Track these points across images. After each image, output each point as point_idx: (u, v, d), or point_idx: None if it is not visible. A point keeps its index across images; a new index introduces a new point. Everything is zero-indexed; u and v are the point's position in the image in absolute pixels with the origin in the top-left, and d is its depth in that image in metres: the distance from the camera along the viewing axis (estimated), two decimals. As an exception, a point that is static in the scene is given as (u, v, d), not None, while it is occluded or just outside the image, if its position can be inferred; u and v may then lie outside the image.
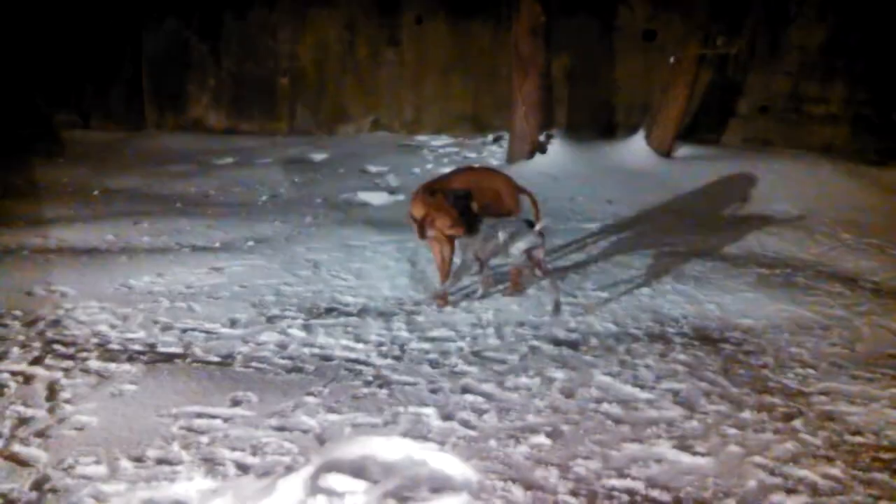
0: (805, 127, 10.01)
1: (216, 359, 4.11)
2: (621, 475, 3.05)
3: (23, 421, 3.41)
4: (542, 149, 8.80)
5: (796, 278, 5.60)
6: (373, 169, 9.00)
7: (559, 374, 3.95)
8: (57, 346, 4.20)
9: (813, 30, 9.36)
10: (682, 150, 9.18)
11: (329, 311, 4.83)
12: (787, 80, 9.95)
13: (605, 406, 3.63)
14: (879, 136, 9.74)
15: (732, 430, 3.42)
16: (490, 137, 10.20)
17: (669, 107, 8.92)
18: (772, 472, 3.09)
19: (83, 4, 9.47)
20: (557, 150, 8.76)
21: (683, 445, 3.28)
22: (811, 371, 4.11)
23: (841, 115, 9.88)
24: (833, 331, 4.68)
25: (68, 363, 3.98)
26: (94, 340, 4.31)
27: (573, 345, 4.36)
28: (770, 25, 6.75)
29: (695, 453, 3.22)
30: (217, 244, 6.18)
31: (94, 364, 3.98)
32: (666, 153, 9.00)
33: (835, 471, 3.11)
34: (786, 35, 8.65)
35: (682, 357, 4.20)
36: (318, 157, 9.68)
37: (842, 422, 3.55)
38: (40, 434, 3.31)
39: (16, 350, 4.13)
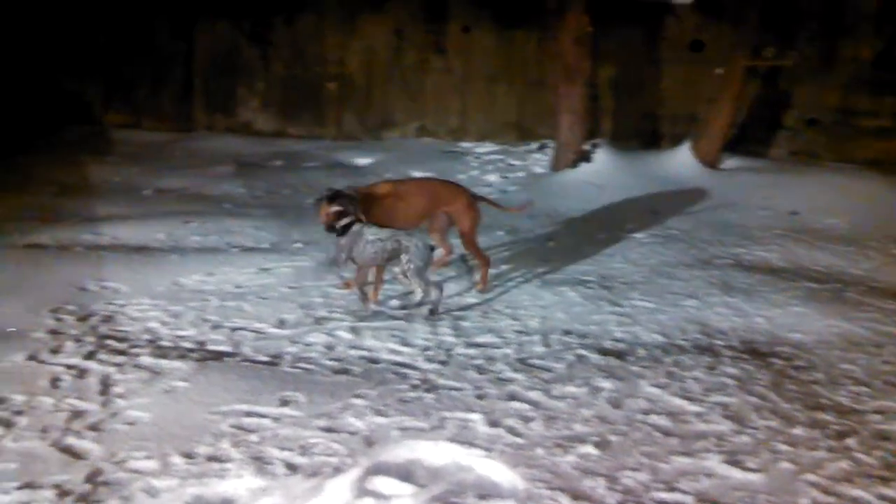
0: (854, 140, 9.83)
1: (265, 358, 4.16)
2: (670, 488, 3.03)
3: (77, 414, 3.49)
4: (586, 158, 8.77)
5: (847, 293, 5.51)
6: (418, 175, 9.03)
7: (606, 384, 3.94)
8: (110, 342, 4.28)
9: (865, 42, 9.21)
10: (729, 162, 9.08)
11: (376, 314, 4.85)
12: (837, 92, 9.79)
13: (653, 418, 3.61)
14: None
15: (784, 447, 3.38)
16: (534, 145, 10.18)
17: (716, 118, 8.84)
18: (825, 491, 3.05)
19: (139, 6, 9.65)
20: (602, 160, 8.73)
21: (734, 460, 3.25)
22: (864, 388, 4.04)
23: (892, 128, 9.69)
24: (886, 348, 4.60)
25: (121, 358, 4.06)
26: (146, 337, 4.39)
27: (620, 355, 4.34)
28: (823, 38, 6.65)
29: (745, 469, 3.18)
30: (265, 245, 6.26)
31: (146, 360, 4.06)
32: (712, 165, 8.91)
33: (891, 492, 3.06)
34: (837, 47, 8.52)
35: (730, 370, 4.16)
36: (364, 161, 9.74)
37: (897, 442, 3.49)
38: (94, 428, 3.38)
39: (70, 344, 4.23)
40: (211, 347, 4.29)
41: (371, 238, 4.69)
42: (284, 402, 3.64)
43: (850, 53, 9.45)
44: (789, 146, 10.07)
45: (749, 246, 6.60)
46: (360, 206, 4.78)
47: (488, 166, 9.40)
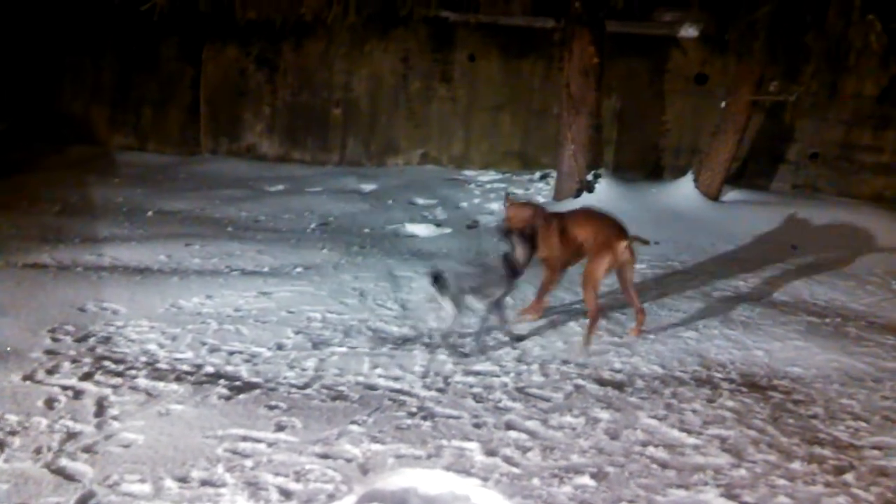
0: (856, 175, 9.87)
1: (262, 382, 4.14)
2: (667, 521, 3.01)
3: (71, 435, 3.48)
4: (589, 188, 8.79)
5: (847, 328, 5.50)
6: (421, 201, 9.06)
7: (604, 415, 3.92)
8: (107, 363, 4.28)
9: (869, 79, 9.27)
10: (731, 195, 9.09)
11: (374, 340, 4.84)
12: (840, 127, 9.84)
13: (650, 450, 3.59)
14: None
15: (782, 481, 3.35)
16: (537, 174, 10.22)
17: (719, 151, 8.85)
18: (822, 527, 3.02)
19: (147, 29, 9.70)
20: (605, 190, 8.74)
21: (731, 494, 3.23)
22: (863, 424, 4.02)
23: (893, 164, 9.72)
24: (885, 384, 4.57)
25: (117, 380, 4.06)
26: (143, 359, 4.39)
27: (618, 385, 4.32)
28: (827, 73, 6.70)
29: (743, 503, 3.16)
30: (266, 269, 6.26)
31: (142, 382, 4.05)
32: (714, 197, 8.92)
33: (888, 528, 3.03)
34: (841, 83, 8.59)
35: (729, 403, 4.14)
36: (368, 187, 9.78)
37: (895, 478, 3.47)
38: (87, 449, 3.37)
39: (67, 365, 4.22)
40: (208, 370, 4.28)
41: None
42: (280, 428, 3.62)
43: (854, 89, 9.50)
44: (792, 180, 10.11)
45: (749, 279, 6.59)
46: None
47: (491, 194, 9.41)
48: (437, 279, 4.64)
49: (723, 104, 8.86)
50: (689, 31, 9.71)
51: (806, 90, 6.83)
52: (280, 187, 9.71)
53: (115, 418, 3.66)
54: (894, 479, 3.45)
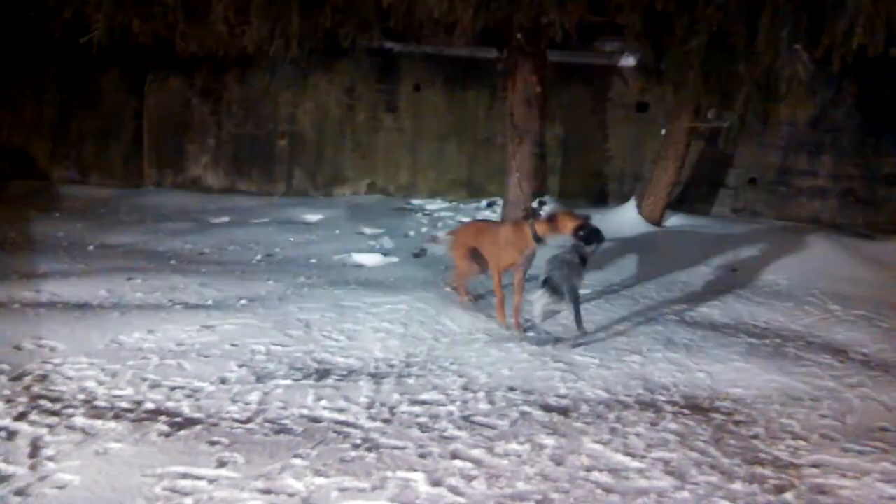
0: (793, 199, 10.16)
1: (204, 418, 4.08)
2: (610, 545, 3.02)
3: (3, 478, 3.38)
4: (534, 215, 8.87)
5: (786, 349, 5.62)
6: (368, 231, 9.05)
7: (549, 441, 3.94)
8: (43, 402, 4.16)
9: (801, 106, 9.58)
10: (673, 220, 9.28)
11: (319, 371, 4.81)
12: (776, 153, 10.14)
13: (595, 474, 3.61)
14: (866, 210, 9.88)
15: (724, 502, 3.40)
16: (484, 202, 10.30)
17: (661, 177, 9.05)
18: (762, 546, 3.06)
19: (88, 61, 9.58)
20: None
21: (674, 516, 3.25)
22: (802, 443, 4.10)
23: (828, 188, 10.03)
24: (823, 402, 4.68)
25: (53, 419, 3.95)
26: (81, 397, 4.28)
27: (564, 411, 4.35)
28: (761, 101, 6.92)
29: (685, 525, 3.19)
30: (210, 302, 6.18)
31: (79, 421, 3.95)
32: (657, 222, 9.09)
33: (826, 546, 3.09)
34: (776, 110, 8.85)
35: (672, 426, 4.19)
36: (314, 217, 9.73)
37: (833, 495, 3.54)
38: (20, 492, 3.28)
39: (0, 405, 4.09)
40: (148, 407, 4.19)
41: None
42: (222, 464, 3.56)
43: (788, 116, 9.80)
44: (731, 204, 10.36)
45: (691, 302, 6.71)
46: None
47: (438, 223, 9.45)
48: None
49: (663, 132, 9.07)
50: (628, 61, 9.93)
51: (740, 117, 7.02)
52: (225, 219, 9.62)
53: (50, 459, 3.56)
54: (833, 497, 3.52)
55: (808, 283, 7.41)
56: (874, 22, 5.48)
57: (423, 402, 4.40)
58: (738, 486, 3.56)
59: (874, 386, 4.95)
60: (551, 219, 5.71)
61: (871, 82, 9.48)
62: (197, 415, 4.12)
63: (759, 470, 3.74)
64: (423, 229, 9.14)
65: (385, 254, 8.06)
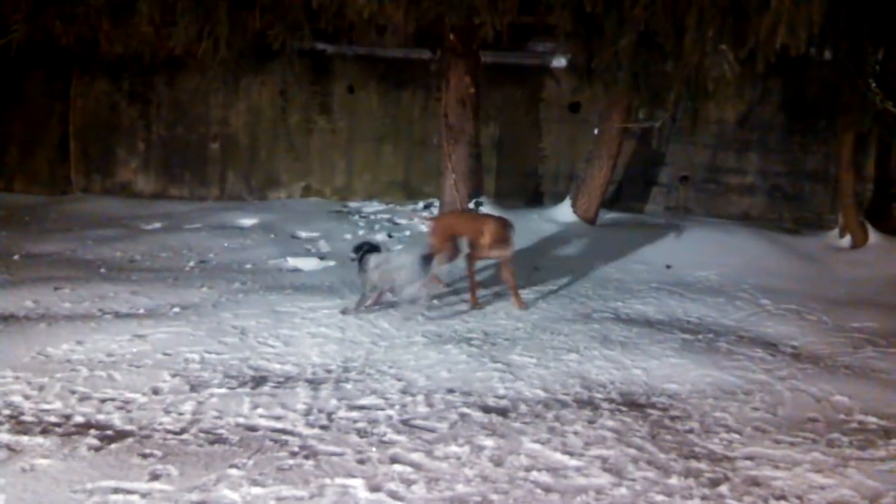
0: (723, 196, 10.39)
1: (136, 430, 3.97)
2: (550, 545, 3.03)
3: (-76, 500, 3.23)
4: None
5: (719, 343, 5.73)
6: (303, 235, 8.95)
7: (489, 442, 3.94)
8: (-35, 419, 4.00)
9: (728, 105, 9.81)
10: (607, 218, 9.41)
11: (255, 379, 4.73)
12: (706, 151, 10.36)
13: (534, 474, 3.62)
14: (793, 206, 10.16)
15: (660, 497, 3.44)
16: (420, 204, 10.28)
17: (595, 176, 9.16)
18: (698, 539, 3.11)
19: (9, 64, 9.26)
20: (487, 217, 8.85)
21: (612, 513, 3.28)
22: (736, 436, 4.19)
23: (757, 185, 10.29)
24: (755, 395, 4.79)
25: (-24, 437, 3.80)
26: (6, 412, 4.13)
27: (503, 412, 4.36)
28: (689, 100, 7.06)
29: (623, 521, 3.22)
30: (141, 311, 6.03)
31: (4, 437, 3.81)
32: (591, 221, 9.20)
33: (759, 536, 3.15)
34: (704, 110, 9.04)
35: (610, 423, 4.23)
36: (249, 222, 9.58)
37: (767, 486, 3.62)
38: (-60, 514, 3.14)
39: (-80, 423, 3.93)
40: (77, 421, 4.06)
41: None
42: (155, 476, 3.47)
43: (716, 115, 10.03)
44: (664, 202, 10.53)
45: (627, 299, 6.81)
46: None
47: (375, 225, 9.40)
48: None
49: (596, 131, 9.18)
50: (560, 62, 10.02)
51: (671, 117, 7.15)
52: (157, 225, 9.40)
53: (-28, 479, 3.42)
54: (766, 488, 3.60)
55: (738, 279, 7.59)
56: (796, 23, 5.62)
57: (362, 407, 4.36)
58: (674, 480, 3.62)
59: (804, 378, 5.08)
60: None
61: (795, 82, 9.75)
62: (128, 427, 4.00)
63: (694, 464, 3.80)
64: (360, 232, 9.08)
65: (321, 258, 7.98)
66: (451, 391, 4.64)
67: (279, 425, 4.08)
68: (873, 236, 8.88)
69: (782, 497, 3.51)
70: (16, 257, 7.74)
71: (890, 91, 7.97)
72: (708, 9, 6.11)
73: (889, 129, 8.53)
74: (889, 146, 9.70)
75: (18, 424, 3.97)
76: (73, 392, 4.43)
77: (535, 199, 10.57)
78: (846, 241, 8.90)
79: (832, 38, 7.48)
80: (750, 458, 3.93)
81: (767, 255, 8.35)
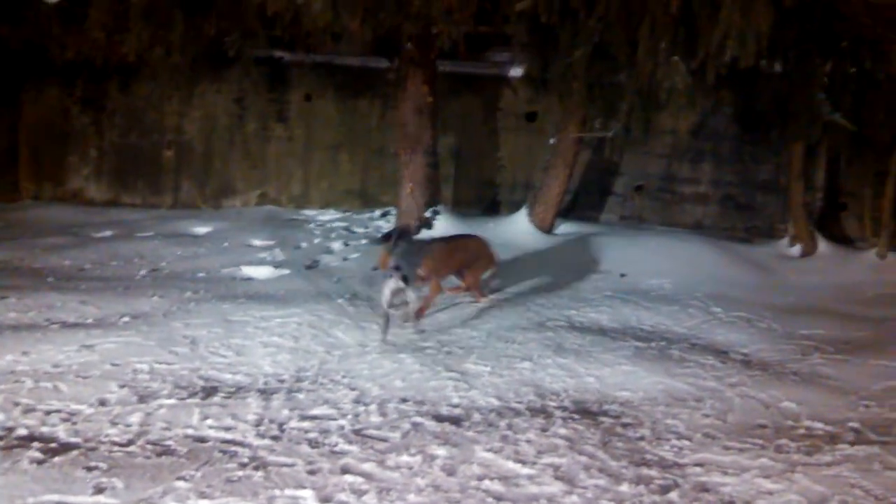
0: (677, 205, 10.53)
1: (81, 442, 3.88)
2: (500, 554, 3.03)
3: None
4: (428, 225, 8.90)
5: (671, 351, 5.79)
6: (258, 243, 8.86)
7: (441, 452, 3.92)
8: None
9: (681, 116, 9.95)
10: (563, 227, 9.47)
11: (206, 389, 4.66)
12: (660, 161, 10.49)
13: (486, 483, 3.62)
14: (745, 215, 10.33)
15: (611, 505, 3.46)
16: (377, 213, 10.25)
17: (550, 185, 9.22)
18: (647, 546, 3.13)
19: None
20: (443, 226, 8.86)
21: (562, 521, 3.29)
22: (686, 442, 4.22)
23: (710, 194, 10.44)
24: (706, 402, 4.84)
25: (-86, 451, 3.69)
26: (-54, 426, 4.02)
27: (456, 421, 4.35)
28: (643, 110, 7.16)
29: (573, 529, 3.23)
30: (90, 320, 5.91)
31: (-58, 452, 3.70)
32: (547, 230, 9.26)
33: (707, 542, 3.18)
34: (657, 120, 9.15)
35: (562, 431, 4.25)
36: (202, 230, 9.46)
37: (716, 492, 3.65)
38: None
39: None
40: (20, 433, 3.96)
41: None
42: (99, 490, 3.40)
43: (670, 125, 10.16)
44: (620, 211, 10.64)
45: (581, 307, 6.85)
46: None
47: (332, 234, 9.34)
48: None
49: (552, 141, 9.25)
50: (516, 71, 10.08)
51: (624, 127, 7.24)
52: (108, 233, 9.24)
53: None
54: (715, 494, 3.64)
55: (691, 287, 7.67)
56: (745, 36, 5.73)
57: (314, 418, 4.32)
58: (625, 487, 3.64)
59: (753, 385, 5.15)
60: None
61: (747, 93, 9.93)
62: (74, 439, 3.92)
63: (645, 471, 3.83)
64: (316, 240, 9.02)
65: (276, 266, 7.91)
66: (404, 400, 4.62)
67: (229, 436, 4.03)
68: (822, 245, 9.07)
69: (731, 503, 3.55)
70: (-40, 266, 7.56)
71: (838, 102, 8.16)
72: (660, 21, 6.21)
73: (837, 140, 8.74)
74: (838, 157, 9.90)
75: (-42, 438, 3.87)
76: (17, 404, 4.31)
77: (493, 207, 10.61)
78: (796, 249, 9.07)
79: (782, 51, 7.64)
80: (700, 464, 3.96)
81: (720, 263, 8.47)
